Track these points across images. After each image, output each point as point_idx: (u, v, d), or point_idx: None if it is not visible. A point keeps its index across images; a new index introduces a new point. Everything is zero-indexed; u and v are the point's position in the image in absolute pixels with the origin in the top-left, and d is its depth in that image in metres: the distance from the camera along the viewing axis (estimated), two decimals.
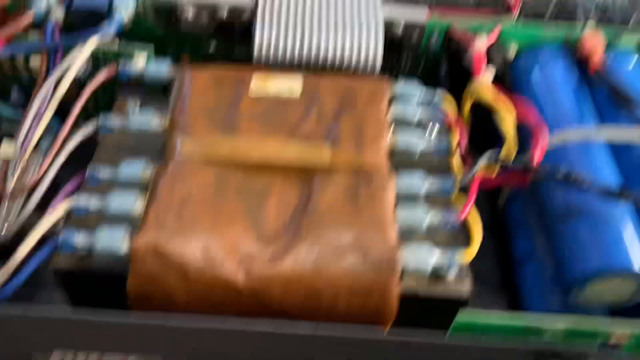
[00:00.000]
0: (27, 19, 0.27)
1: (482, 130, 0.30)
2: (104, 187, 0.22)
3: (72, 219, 0.22)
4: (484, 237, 0.23)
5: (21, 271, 0.20)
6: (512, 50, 0.30)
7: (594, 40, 0.29)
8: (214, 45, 0.31)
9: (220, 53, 0.31)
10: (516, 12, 0.31)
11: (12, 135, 0.30)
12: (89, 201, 0.22)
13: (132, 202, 0.22)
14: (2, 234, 0.23)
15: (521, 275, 0.27)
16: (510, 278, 0.28)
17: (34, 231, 0.21)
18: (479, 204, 0.23)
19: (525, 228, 0.28)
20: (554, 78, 0.29)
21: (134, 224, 0.21)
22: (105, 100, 0.31)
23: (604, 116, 0.28)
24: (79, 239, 0.21)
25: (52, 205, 0.22)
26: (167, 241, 0.20)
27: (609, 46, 0.30)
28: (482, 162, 0.24)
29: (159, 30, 0.30)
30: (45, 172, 0.23)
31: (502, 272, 0.29)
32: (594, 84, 0.29)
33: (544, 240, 0.26)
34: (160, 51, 0.31)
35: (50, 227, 0.21)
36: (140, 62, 0.28)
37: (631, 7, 0.32)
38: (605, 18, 0.32)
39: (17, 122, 0.30)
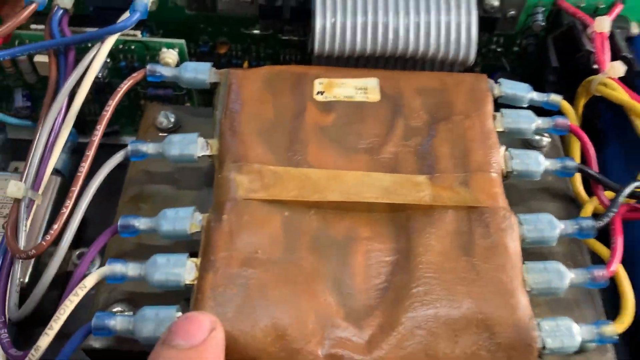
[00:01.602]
0: (28, 11, 0.21)
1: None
2: (143, 246, 0.18)
3: (109, 290, 0.17)
4: None
5: None
6: (634, 27, 0.24)
7: None
8: (258, 28, 0.25)
9: (265, 38, 0.25)
10: None
11: (21, 143, 0.25)
12: (125, 269, 0.17)
13: (181, 270, 0.16)
14: (15, 314, 0.18)
15: None
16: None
17: (58, 318, 0.16)
18: None
19: None
20: None
21: (186, 298, 0.16)
22: (129, 102, 0.25)
23: None
24: (117, 323, 0.16)
25: (77, 276, 0.17)
26: (231, 325, 0.15)
27: None
28: (626, 193, 0.18)
29: (190, 13, 0.24)
30: (67, 222, 0.18)
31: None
32: None
33: None
34: (192, 37, 0.25)
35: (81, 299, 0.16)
36: (171, 59, 0.23)
37: None
38: None
39: (26, 128, 0.25)
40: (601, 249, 0.18)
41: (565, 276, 0.17)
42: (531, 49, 0.25)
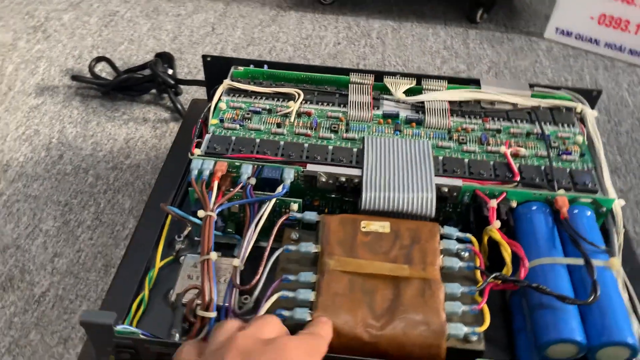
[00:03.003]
0: (239, 186, 0.49)
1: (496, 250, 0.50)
2: (294, 286, 0.44)
3: (280, 302, 0.43)
4: (497, 316, 0.43)
5: None
6: (513, 203, 0.51)
7: (562, 200, 0.49)
8: (334, 194, 0.53)
9: (337, 198, 0.53)
10: (517, 181, 0.51)
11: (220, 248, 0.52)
12: (288, 294, 0.43)
13: (309, 295, 0.43)
14: (240, 310, 0.44)
15: (517, 341, 0.46)
16: (512, 340, 0.48)
17: (261, 308, 0.42)
18: (495, 297, 0.44)
19: (520, 311, 0.47)
20: (538, 222, 0.49)
21: (311, 306, 0.42)
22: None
23: (567, 243, 0.48)
24: (285, 313, 0.42)
25: (267, 296, 0.43)
26: (328, 316, 0.41)
27: (574, 201, 0.50)
28: (491, 277, 0.44)
29: (304, 187, 0.52)
30: (260, 275, 0.44)
31: (507, 338, 0.48)
32: (562, 226, 0.49)
33: (529, 319, 0.45)
34: (302, 195, 0.52)
35: (270, 306, 0.42)
36: (295, 207, 0.50)
37: (589, 178, 0.52)
38: (574, 182, 0.52)
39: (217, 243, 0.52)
40: (479, 299, 0.43)
41: (460, 308, 0.42)
42: (463, 209, 0.52)
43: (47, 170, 0.82)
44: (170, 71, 0.88)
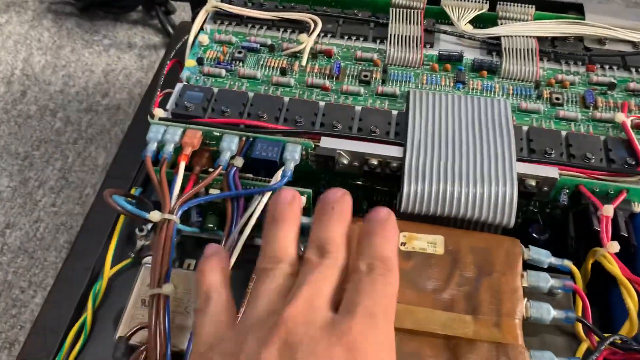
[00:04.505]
0: (217, 172, 0.32)
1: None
2: None
3: None
4: None
5: None
6: (636, 207, 0.33)
7: None
8: (361, 180, 0.36)
9: (365, 187, 0.36)
10: None
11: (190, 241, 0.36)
12: None
13: None
14: None
15: None
16: None
17: None
18: None
19: None
20: None
21: None
22: None
23: None
24: None
25: None
26: None
27: None
28: (606, 343, 0.27)
29: (316, 170, 0.35)
30: None
31: None
32: None
33: None
34: (314, 182, 0.36)
35: None
36: (303, 201, 0.33)
37: None
38: None
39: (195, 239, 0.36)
40: None
41: None
42: (557, 216, 0.34)
43: (6, 111, 0.67)
44: None
